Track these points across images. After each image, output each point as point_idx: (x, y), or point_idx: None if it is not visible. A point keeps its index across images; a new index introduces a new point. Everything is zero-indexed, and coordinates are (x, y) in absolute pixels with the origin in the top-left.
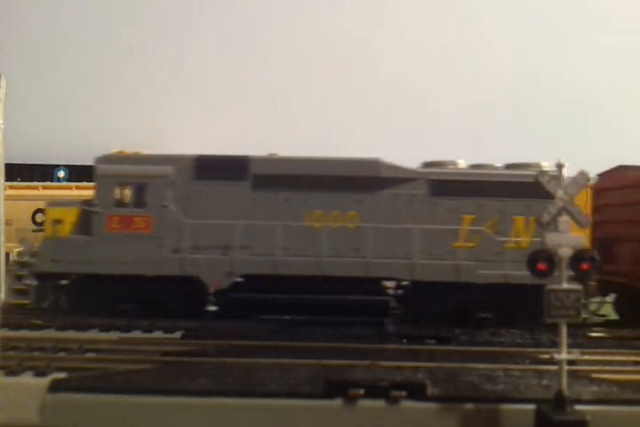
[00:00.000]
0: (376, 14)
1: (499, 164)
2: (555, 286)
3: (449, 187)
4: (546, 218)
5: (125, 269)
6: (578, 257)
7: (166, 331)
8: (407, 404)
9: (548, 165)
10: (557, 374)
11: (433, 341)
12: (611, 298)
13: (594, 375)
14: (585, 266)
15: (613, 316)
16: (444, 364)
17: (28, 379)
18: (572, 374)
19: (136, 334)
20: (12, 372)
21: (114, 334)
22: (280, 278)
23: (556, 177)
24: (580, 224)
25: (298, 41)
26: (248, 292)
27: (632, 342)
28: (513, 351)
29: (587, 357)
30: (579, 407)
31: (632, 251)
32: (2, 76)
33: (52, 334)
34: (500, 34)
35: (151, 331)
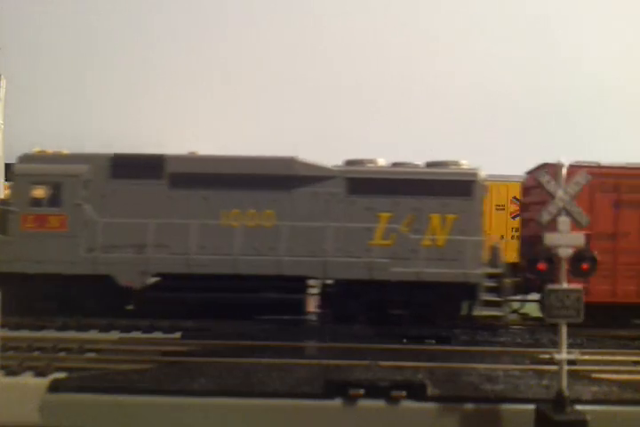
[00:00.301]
0: (379, 14)
1: (420, 162)
2: (555, 286)
3: (366, 185)
4: (546, 218)
5: (41, 269)
6: (578, 257)
7: (166, 331)
8: (407, 404)
9: (466, 163)
10: (557, 374)
11: (433, 341)
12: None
13: (594, 375)
14: (585, 266)
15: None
16: (443, 364)
17: (28, 379)
18: (572, 374)
19: (136, 334)
20: (12, 372)
21: (114, 334)
22: (203, 277)
23: (556, 177)
24: (579, 224)
25: (299, 40)
26: (166, 291)
27: (632, 342)
28: (513, 351)
29: (587, 357)
30: (579, 407)
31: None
32: (2, 76)
33: (52, 334)
34: (500, 33)
35: (151, 331)
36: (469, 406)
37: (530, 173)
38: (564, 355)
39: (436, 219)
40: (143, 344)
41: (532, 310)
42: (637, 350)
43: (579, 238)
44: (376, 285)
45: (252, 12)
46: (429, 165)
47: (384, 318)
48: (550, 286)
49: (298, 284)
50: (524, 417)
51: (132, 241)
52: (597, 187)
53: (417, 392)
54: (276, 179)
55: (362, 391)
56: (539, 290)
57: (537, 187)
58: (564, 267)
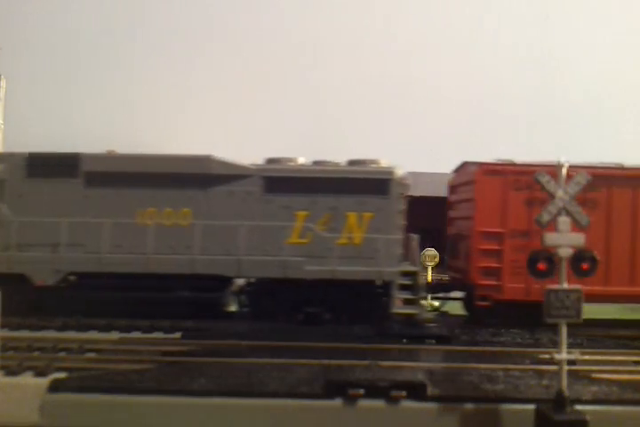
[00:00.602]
0: (379, 13)
1: (341, 160)
2: (555, 287)
3: (283, 184)
4: (545, 218)
5: None
6: (578, 257)
7: (166, 331)
8: (407, 404)
9: (385, 161)
10: (557, 374)
11: (433, 341)
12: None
13: (594, 375)
14: (585, 266)
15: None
16: (443, 364)
17: (28, 379)
18: (572, 374)
19: (136, 334)
20: (12, 372)
21: (114, 334)
22: (122, 276)
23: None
24: (579, 224)
25: (300, 38)
26: (81, 290)
27: (632, 342)
28: (513, 351)
29: (587, 357)
30: (579, 407)
31: (466, 247)
32: (2, 76)
33: (51, 334)
34: (500, 33)
35: (151, 331)
36: (469, 406)
37: (456, 171)
38: (563, 355)
39: (352, 217)
40: (143, 344)
41: (455, 308)
42: (637, 350)
43: (579, 238)
44: (293, 283)
45: (252, 12)
46: (350, 163)
47: (302, 316)
48: (550, 286)
49: (215, 283)
50: (524, 417)
51: (46, 240)
52: (511, 185)
53: (417, 392)
54: (192, 177)
55: (362, 391)
56: (461, 288)
57: (461, 185)
58: (564, 267)
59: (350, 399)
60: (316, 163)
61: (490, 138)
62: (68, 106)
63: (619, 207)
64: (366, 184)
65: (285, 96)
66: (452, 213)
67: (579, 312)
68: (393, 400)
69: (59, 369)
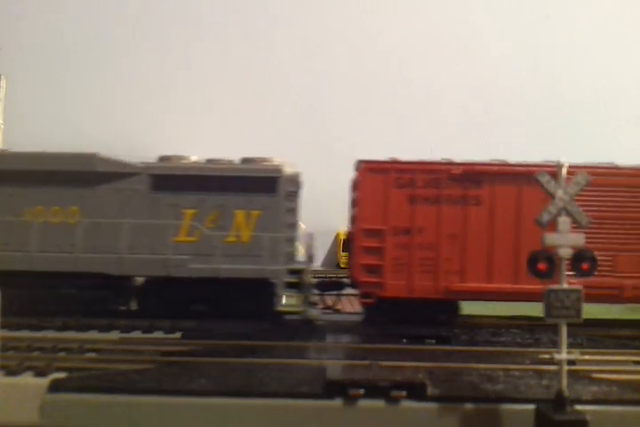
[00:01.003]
0: (380, 12)
1: (235, 158)
2: (555, 287)
3: (170, 182)
4: (545, 218)
5: None
6: (578, 257)
7: (166, 331)
8: (407, 404)
9: (278, 160)
10: (557, 374)
11: (433, 341)
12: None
13: (594, 375)
14: (585, 266)
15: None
16: (443, 364)
17: (28, 379)
18: (572, 374)
19: (136, 334)
20: (12, 372)
21: (114, 335)
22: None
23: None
24: (579, 224)
25: (303, 38)
26: None
27: (632, 342)
28: (514, 351)
29: (587, 357)
30: (579, 407)
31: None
32: (2, 76)
33: (51, 334)
34: (501, 33)
35: (151, 331)
36: (469, 406)
37: (355, 169)
38: (563, 355)
39: (240, 215)
40: (143, 344)
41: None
42: (637, 350)
43: (579, 239)
44: (180, 281)
45: (252, 11)
46: (243, 161)
47: (187, 314)
48: (550, 286)
49: (106, 281)
50: (524, 417)
51: None
52: (392, 182)
53: (417, 392)
54: (78, 175)
55: (362, 391)
56: (354, 286)
57: (354, 183)
58: (564, 267)
59: (350, 399)
60: (209, 161)
61: (490, 138)
62: (67, 106)
63: (502, 204)
64: (254, 182)
65: (285, 96)
66: (350, 212)
67: (579, 312)
68: (393, 400)
69: (59, 369)
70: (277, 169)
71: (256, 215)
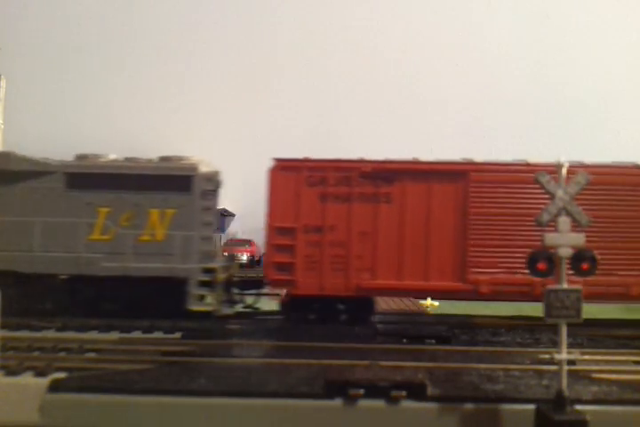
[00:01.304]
0: (380, 13)
1: (154, 156)
2: (555, 287)
3: (86, 180)
4: (545, 218)
5: None
6: (578, 257)
7: (166, 331)
8: (407, 404)
9: (196, 158)
10: (557, 374)
11: (433, 341)
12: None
13: (594, 375)
14: (585, 266)
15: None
16: (443, 364)
17: (28, 379)
18: (572, 374)
19: (136, 334)
20: (12, 372)
21: (114, 335)
22: None
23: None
24: (580, 224)
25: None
26: None
27: (632, 342)
28: (514, 351)
29: (587, 357)
30: (579, 407)
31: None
32: (2, 76)
33: (52, 334)
34: (501, 32)
35: (151, 331)
36: (469, 406)
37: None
38: (563, 355)
39: (155, 214)
40: (143, 344)
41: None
42: (637, 350)
43: (579, 238)
44: (93, 280)
45: (253, 12)
46: (161, 159)
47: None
48: (550, 286)
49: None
50: (524, 417)
51: None
52: (304, 180)
53: (417, 392)
54: None
55: (362, 391)
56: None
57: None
58: (564, 267)
59: (350, 399)
60: (127, 159)
61: (490, 138)
62: (67, 106)
63: (413, 202)
64: (168, 181)
65: (287, 96)
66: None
67: (579, 312)
68: (393, 400)
69: (59, 369)
70: (192, 168)
71: (171, 214)
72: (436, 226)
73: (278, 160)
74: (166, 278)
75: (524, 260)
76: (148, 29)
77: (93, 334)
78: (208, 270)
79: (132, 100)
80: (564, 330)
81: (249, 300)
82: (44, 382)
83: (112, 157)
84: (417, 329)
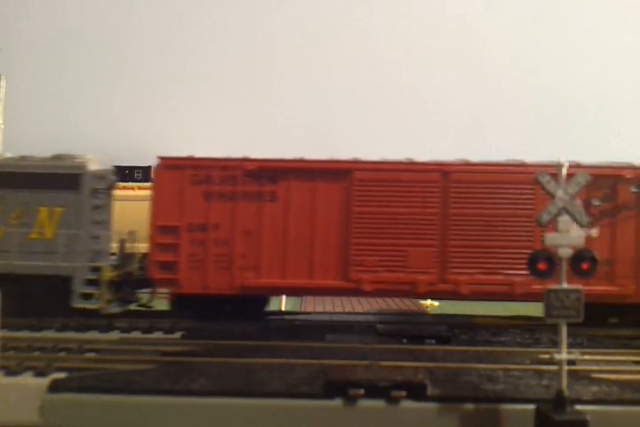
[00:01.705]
0: (377, 14)
1: (48, 155)
2: (555, 287)
3: None
4: (545, 218)
5: None
6: (578, 257)
7: (166, 331)
8: (407, 404)
9: (90, 157)
10: (557, 374)
11: (433, 341)
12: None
13: (594, 375)
14: (585, 266)
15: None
16: (443, 364)
17: (28, 379)
18: (572, 374)
19: (136, 334)
20: (12, 372)
21: (114, 335)
22: None
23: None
24: (580, 224)
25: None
26: None
27: (632, 342)
28: (514, 351)
29: (587, 357)
30: (579, 407)
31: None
32: (2, 76)
33: (52, 334)
34: (500, 33)
35: (151, 331)
36: (469, 406)
37: None
38: (563, 355)
39: (44, 212)
40: (143, 344)
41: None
42: (637, 350)
43: (579, 238)
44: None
45: (252, 12)
46: (53, 158)
47: None
48: (550, 286)
49: None
50: (524, 417)
51: None
52: (189, 179)
53: (417, 392)
54: None
55: (362, 391)
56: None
57: None
58: (565, 267)
59: (350, 399)
60: (22, 158)
61: (490, 138)
62: (67, 106)
63: (297, 201)
64: (57, 179)
65: (287, 96)
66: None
67: (579, 312)
68: (393, 400)
69: (59, 369)
70: (81, 166)
71: (59, 212)
72: (320, 225)
73: (163, 158)
74: (53, 277)
75: (403, 258)
76: (147, 29)
77: (93, 334)
78: (96, 269)
79: (133, 99)
80: (563, 330)
81: (143, 299)
82: (44, 382)
83: (7, 155)
84: (417, 329)
